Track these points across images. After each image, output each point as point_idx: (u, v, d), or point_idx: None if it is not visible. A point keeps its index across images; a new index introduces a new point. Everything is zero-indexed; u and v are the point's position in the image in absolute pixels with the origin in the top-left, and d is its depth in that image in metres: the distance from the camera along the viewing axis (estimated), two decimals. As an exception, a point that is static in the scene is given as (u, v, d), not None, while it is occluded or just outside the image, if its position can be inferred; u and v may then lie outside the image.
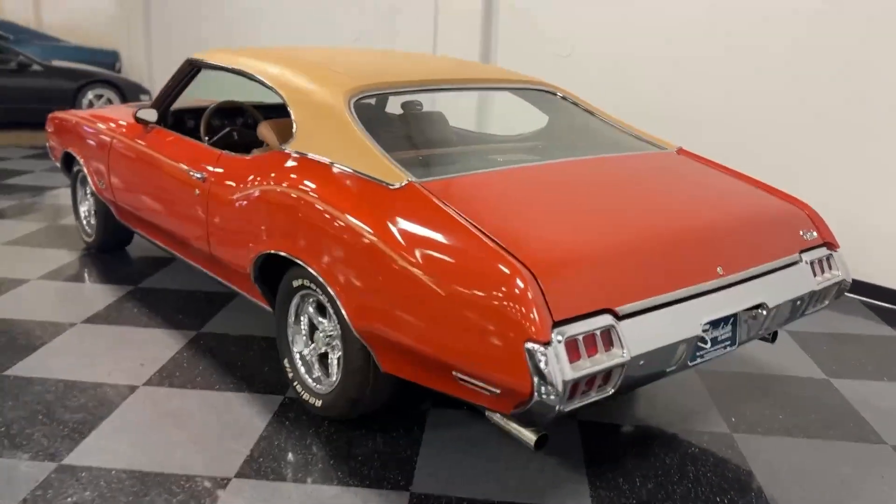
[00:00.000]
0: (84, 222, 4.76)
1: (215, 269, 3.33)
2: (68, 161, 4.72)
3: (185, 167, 3.37)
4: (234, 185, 3.03)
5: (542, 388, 1.94)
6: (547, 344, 1.94)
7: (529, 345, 1.94)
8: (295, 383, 2.89)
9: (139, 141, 3.82)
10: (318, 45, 4.24)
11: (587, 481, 2.53)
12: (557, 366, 1.93)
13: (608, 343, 2.06)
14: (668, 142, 3.36)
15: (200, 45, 9.45)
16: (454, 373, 2.17)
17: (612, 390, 2.10)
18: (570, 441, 2.77)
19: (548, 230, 2.26)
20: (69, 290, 4.06)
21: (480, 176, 2.62)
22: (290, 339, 2.90)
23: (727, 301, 2.40)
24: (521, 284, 2.00)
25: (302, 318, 2.88)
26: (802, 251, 2.75)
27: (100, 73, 9.77)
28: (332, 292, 2.51)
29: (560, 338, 1.95)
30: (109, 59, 12.16)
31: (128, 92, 9.77)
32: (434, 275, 2.19)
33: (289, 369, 2.91)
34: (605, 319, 2.07)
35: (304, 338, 2.88)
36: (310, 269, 2.59)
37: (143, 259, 4.62)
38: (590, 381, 2.02)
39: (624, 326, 2.10)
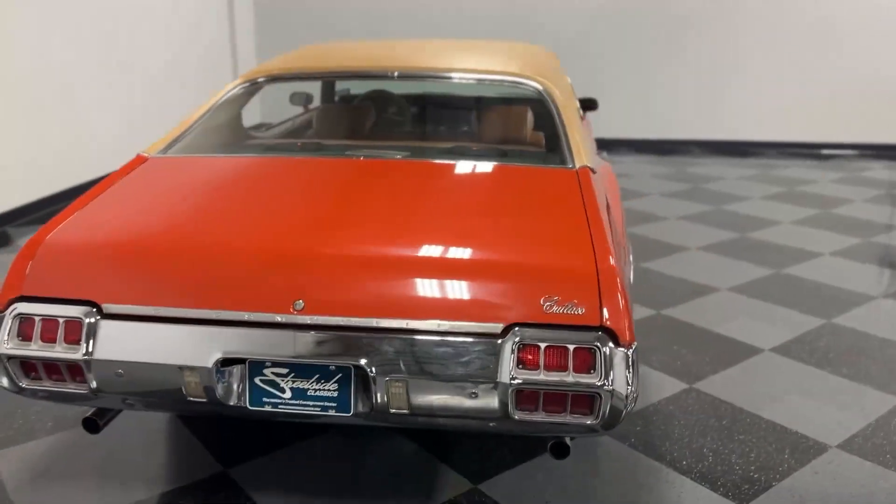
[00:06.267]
0: None
1: None
2: None
3: None
4: None
5: None
6: None
7: None
8: None
9: None
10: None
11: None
12: None
13: (74, 336, 1.89)
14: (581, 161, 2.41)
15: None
16: None
17: (89, 391, 1.92)
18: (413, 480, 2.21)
19: (132, 216, 2.14)
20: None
21: (207, 160, 2.57)
22: None
23: (295, 345, 1.83)
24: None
25: None
26: (523, 325, 1.79)
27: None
28: None
29: (11, 312, 1.91)
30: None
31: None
32: None
33: None
34: (76, 310, 1.90)
35: None
36: None
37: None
38: (48, 368, 1.91)
39: (104, 326, 1.89)
